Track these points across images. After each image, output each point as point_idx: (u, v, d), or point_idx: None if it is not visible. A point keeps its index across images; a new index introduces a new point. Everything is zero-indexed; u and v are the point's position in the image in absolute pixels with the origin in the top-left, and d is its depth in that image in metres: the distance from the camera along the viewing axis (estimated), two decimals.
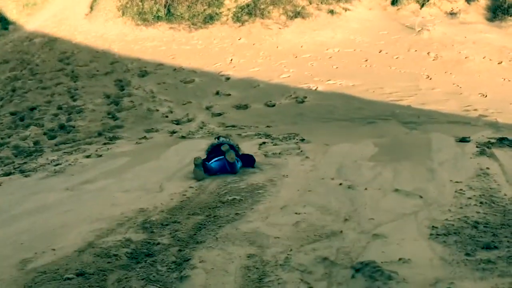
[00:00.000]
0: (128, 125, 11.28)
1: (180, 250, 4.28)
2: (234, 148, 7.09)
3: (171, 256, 4.17)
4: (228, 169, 6.80)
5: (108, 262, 4.12)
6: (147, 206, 5.63)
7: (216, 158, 6.87)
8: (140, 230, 4.84)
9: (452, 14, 15.64)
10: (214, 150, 7.08)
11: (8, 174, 8.21)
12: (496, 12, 15.21)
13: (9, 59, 17.21)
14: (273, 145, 8.54)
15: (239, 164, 6.95)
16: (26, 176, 7.88)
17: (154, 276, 3.83)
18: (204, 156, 7.13)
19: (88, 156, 8.74)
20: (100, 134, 10.70)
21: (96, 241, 4.60)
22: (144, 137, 10.05)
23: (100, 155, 8.76)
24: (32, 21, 20.16)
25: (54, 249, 4.49)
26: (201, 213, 5.24)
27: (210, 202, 5.64)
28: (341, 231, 4.52)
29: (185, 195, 6.03)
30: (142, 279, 3.80)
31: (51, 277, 3.95)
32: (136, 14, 18.47)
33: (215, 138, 7.76)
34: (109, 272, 3.96)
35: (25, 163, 8.95)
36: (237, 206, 5.41)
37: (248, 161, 7.12)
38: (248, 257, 4.06)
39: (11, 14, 20.43)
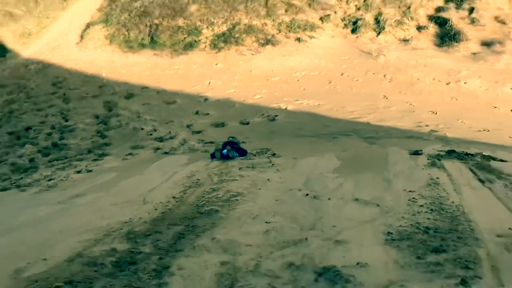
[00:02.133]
0: (115, 142, 11.16)
1: (160, 258, 4.23)
2: (237, 144, 9.15)
3: (152, 264, 4.12)
4: (229, 156, 8.67)
5: (95, 271, 4.06)
6: (132, 217, 5.56)
7: (226, 150, 8.75)
8: (124, 240, 4.78)
9: (405, 40, 15.84)
10: (225, 145, 8.94)
11: (5, 189, 8.07)
12: (443, 39, 15.43)
13: (6, 84, 16.95)
14: (247, 159, 8.51)
15: (236, 154, 8.79)
16: (22, 191, 7.76)
17: (136, 283, 3.78)
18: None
19: (79, 172, 8.63)
20: (90, 151, 10.57)
21: (84, 251, 4.53)
22: (130, 154, 9.95)
23: (90, 171, 8.66)
24: (28, 49, 19.92)
25: (45, 259, 4.42)
26: (181, 224, 5.20)
27: (189, 213, 5.59)
28: (307, 238, 4.51)
29: (167, 206, 5.97)
30: (125, 286, 3.75)
31: (42, 285, 3.88)
32: (123, 42, 18.38)
33: (228, 138, 9.58)
34: (95, 280, 3.90)
35: (21, 178, 8.81)
36: (214, 216, 5.38)
37: (242, 152, 8.87)
38: (222, 264, 4.03)
39: (9, 42, 20.16)
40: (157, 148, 10.26)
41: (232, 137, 9.56)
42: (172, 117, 12.71)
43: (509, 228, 4.58)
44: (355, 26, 16.99)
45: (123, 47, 18.24)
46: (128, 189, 7.12)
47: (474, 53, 14.45)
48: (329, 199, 5.76)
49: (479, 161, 7.22)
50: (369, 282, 3.57)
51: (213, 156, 8.83)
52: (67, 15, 21.58)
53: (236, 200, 5.95)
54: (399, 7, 16.93)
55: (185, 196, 6.40)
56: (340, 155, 8.14)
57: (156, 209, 5.84)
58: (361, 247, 4.26)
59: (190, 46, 17.48)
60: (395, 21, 16.49)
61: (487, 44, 14.63)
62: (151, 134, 11.55)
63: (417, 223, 4.77)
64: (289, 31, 17.07)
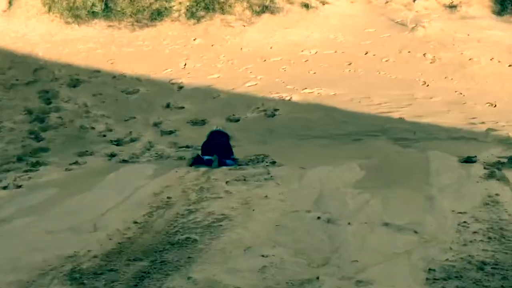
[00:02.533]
0: (55, 147, 11.14)
1: None
2: (227, 137, 9.42)
3: None
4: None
5: None
6: (77, 250, 5.51)
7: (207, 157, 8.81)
8: (67, 281, 4.75)
9: (452, 7, 15.89)
10: (209, 138, 9.26)
11: None
12: (504, 4, 15.47)
13: None
14: (237, 169, 8.50)
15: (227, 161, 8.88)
16: None
17: None
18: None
19: (4, 188, 8.57)
20: (20, 159, 10.52)
21: None
22: (76, 162, 9.91)
23: (20, 186, 8.60)
24: None
25: None
26: (145, 258, 5.17)
27: (156, 243, 5.56)
28: (318, 278, 4.50)
29: (125, 235, 5.93)
30: None
31: None
32: (66, 9, 18.37)
33: (216, 127, 10.07)
34: None
35: None
36: (190, 248, 5.35)
37: (230, 153, 9.11)
38: None
39: None
40: (113, 155, 10.26)
41: (220, 129, 9.80)
42: (133, 112, 12.72)
43: None
44: None
45: (66, 16, 18.27)
46: (73, 211, 7.06)
47: None
48: (348, 223, 5.75)
49: None
50: None
51: (197, 161, 8.76)
52: None
53: (221, 225, 5.93)
54: None
55: (151, 220, 6.36)
56: (363, 163, 8.14)
57: (110, 239, 5.81)
58: None
59: (158, 15, 17.54)
60: None
61: None
62: (104, 136, 11.55)
63: (470, 256, 4.76)
64: None
